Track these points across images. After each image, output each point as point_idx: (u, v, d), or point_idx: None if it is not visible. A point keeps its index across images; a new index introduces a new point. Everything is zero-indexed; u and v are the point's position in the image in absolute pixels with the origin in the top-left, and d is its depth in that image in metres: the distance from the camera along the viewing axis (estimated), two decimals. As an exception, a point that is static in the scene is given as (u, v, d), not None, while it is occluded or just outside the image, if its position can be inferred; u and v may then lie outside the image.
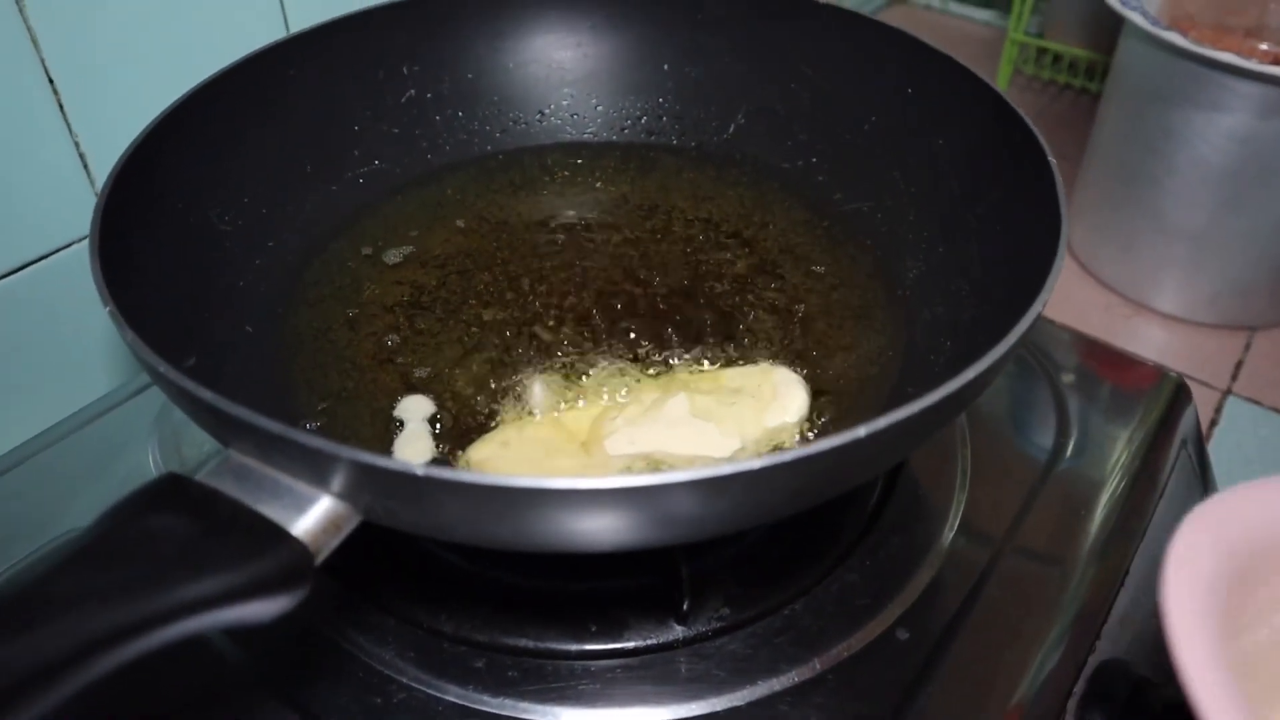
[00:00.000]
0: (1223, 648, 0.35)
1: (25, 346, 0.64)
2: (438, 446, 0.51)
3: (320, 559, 0.37)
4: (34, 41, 0.59)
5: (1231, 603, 0.37)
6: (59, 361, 0.67)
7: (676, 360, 0.55)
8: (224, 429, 0.38)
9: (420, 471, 0.34)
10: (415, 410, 0.54)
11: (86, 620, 0.30)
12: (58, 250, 0.64)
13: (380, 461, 0.34)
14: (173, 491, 0.36)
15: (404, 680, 0.48)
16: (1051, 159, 0.50)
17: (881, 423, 0.36)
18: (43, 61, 0.59)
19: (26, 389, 0.65)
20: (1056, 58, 1.26)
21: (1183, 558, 0.37)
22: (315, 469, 0.36)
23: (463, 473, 0.34)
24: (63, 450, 0.62)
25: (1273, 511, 0.39)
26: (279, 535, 0.36)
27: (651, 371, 0.55)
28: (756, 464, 0.34)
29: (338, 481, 0.36)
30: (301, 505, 0.37)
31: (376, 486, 0.36)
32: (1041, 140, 0.51)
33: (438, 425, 0.52)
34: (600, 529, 0.36)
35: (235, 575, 0.34)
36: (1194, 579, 0.36)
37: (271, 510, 0.36)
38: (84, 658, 0.30)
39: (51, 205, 0.62)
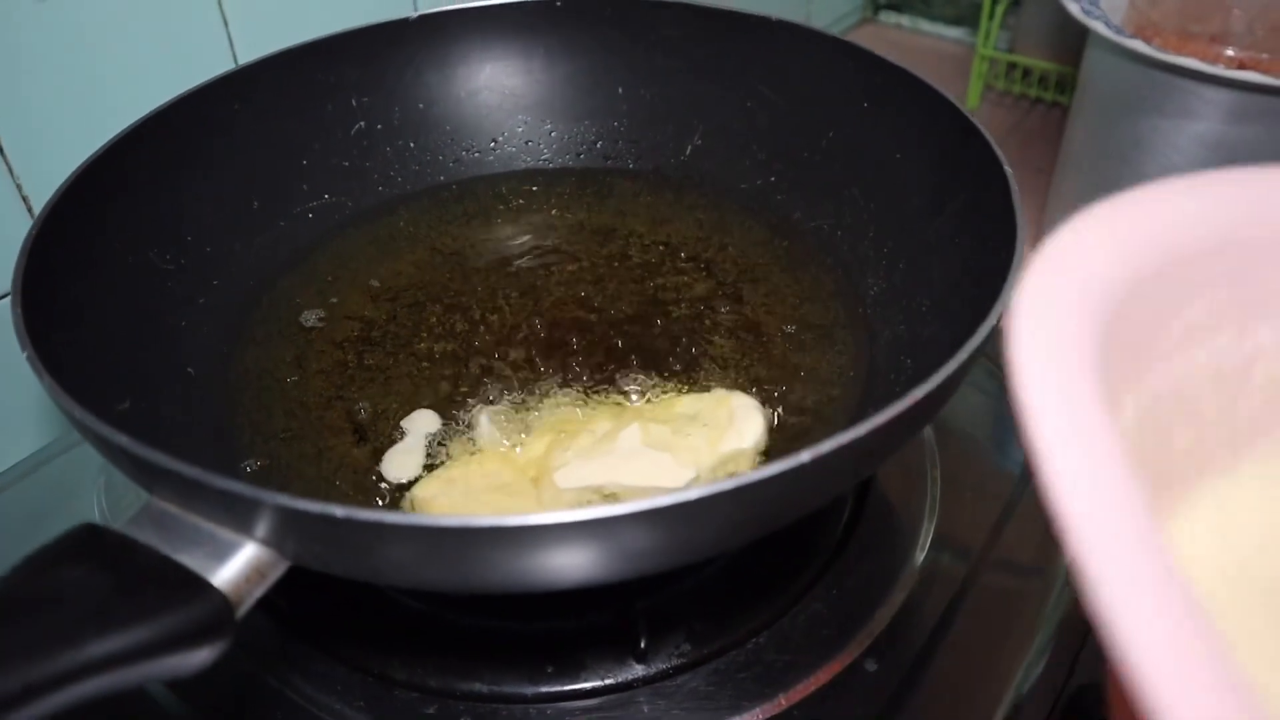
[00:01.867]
0: (1111, 410, 0.25)
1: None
2: (383, 486, 0.50)
3: (243, 609, 0.35)
4: (-29, 83, 0.57)
5: (1128, 349, 0.28)
6: (5, 408, 0.65)
7: (631, 388, 0.54)
8: (141, 474, 0.37)
9: (340, 513, 0.32)
10: (420, 425, 0.53)
11: (-16, 683, 0.29)
12: (3, 297, 0.63)
13: (298, 504, 0.33)
14: (88, 542, 0.35)
15: (352, 730, 0.46)
16: (1007, 168, 0.49)
17: (826, 446, 0.35)
18: (-20, 103, 0.58)
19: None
20: (1026, 72, 1.26)
21: (1042, 293, 0.26)
22: (235, 514, 0.35)
23: (385, 514, 0.32)
24: (5, 501, 0.60)
25: (1185, 213, 0.29)
26: (198, 585, 0.34)
27: (605, 401, 0.53)
28: (695, 494, 0.33)
29: (260, 527, 0.35)
30: (223, 553, 0.35)
31: (299, 531, 0.34)
32: (996, 149, 0.50)
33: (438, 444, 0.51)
34: (536, 567, 0.35)
35: (150, 629, 0.32)
36: (1069, 325, 0.26)
37: (191, 559, 0.35)
38: (-20, 722, 0.28)
39: (-3, 250, 0.61)
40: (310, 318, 0.59)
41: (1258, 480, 0.32)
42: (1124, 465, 0.22)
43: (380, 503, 0.49)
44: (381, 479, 0.50)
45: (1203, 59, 0.90)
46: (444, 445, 0.51)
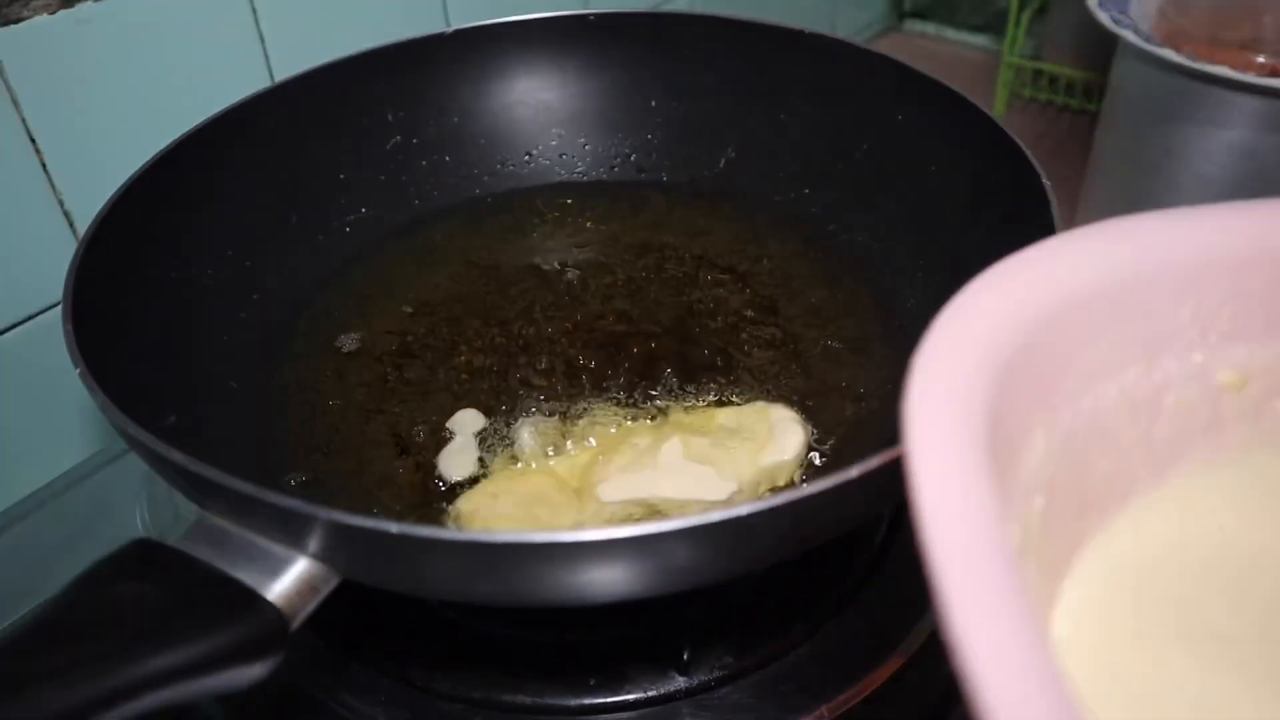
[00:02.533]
0: (1007, 454, 0.28)
1: (16, 407, 0.63)
2: (426, 500, 0.50)
3: (297, 623, 0.35)
4: (15, 102, 0.58)
5: (1032, 392, 0.30)
6: (51, 421, 0.66)
7: (671, 402, 0.54)
8: (195, 490, 0.37)
9: (395, 529, 0.33)
10: (467, 424, 0.54)
11: (51, 696, 0.29)
12: (46, 310, 0.64)
13: (355, 520, 0.33)
14: (142, 558, 0.35)
15: (397, 743, 0.46)
16: (1045, 180, 0.49)
17: (874, 462, 0.35)
18: (24, 121, 0.59)
19: (11, 452, 0.64)
20: (1053, 79, 1.26)
21: (939, 359, 0.27)
22: (289, 530, 0.35)
23: (439, 530, 0.33)
24: (50, 514, 0.61)
25: (1078, 266, 0.31)
26: (252, 600, 0.35)
27: (645, 414, 0.53)
28: (744, 510, 0.33)
29: (313, 542, 0.35)
30: (277, 568, 0.35)
31: (352, 546, 0.35)
32: (1034, 161, 0.50)
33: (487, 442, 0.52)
34: (584, 582, 0.35)
35: (206, 644, 0.33)
36: (960, 387, 0.27)
37: (245, 574, 0.35)
38: (45, 738, 0.29)
39: (38, 265, 0.62)
40: (349, 332, 0.60)
41: (1178, 494, 0.34)
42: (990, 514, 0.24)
43: (424, 515, 0.49)
44: (425, 492, 0.50)
45: (1234, 67, 0.90)
46: (486, 457, 0.51)
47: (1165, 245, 0.33)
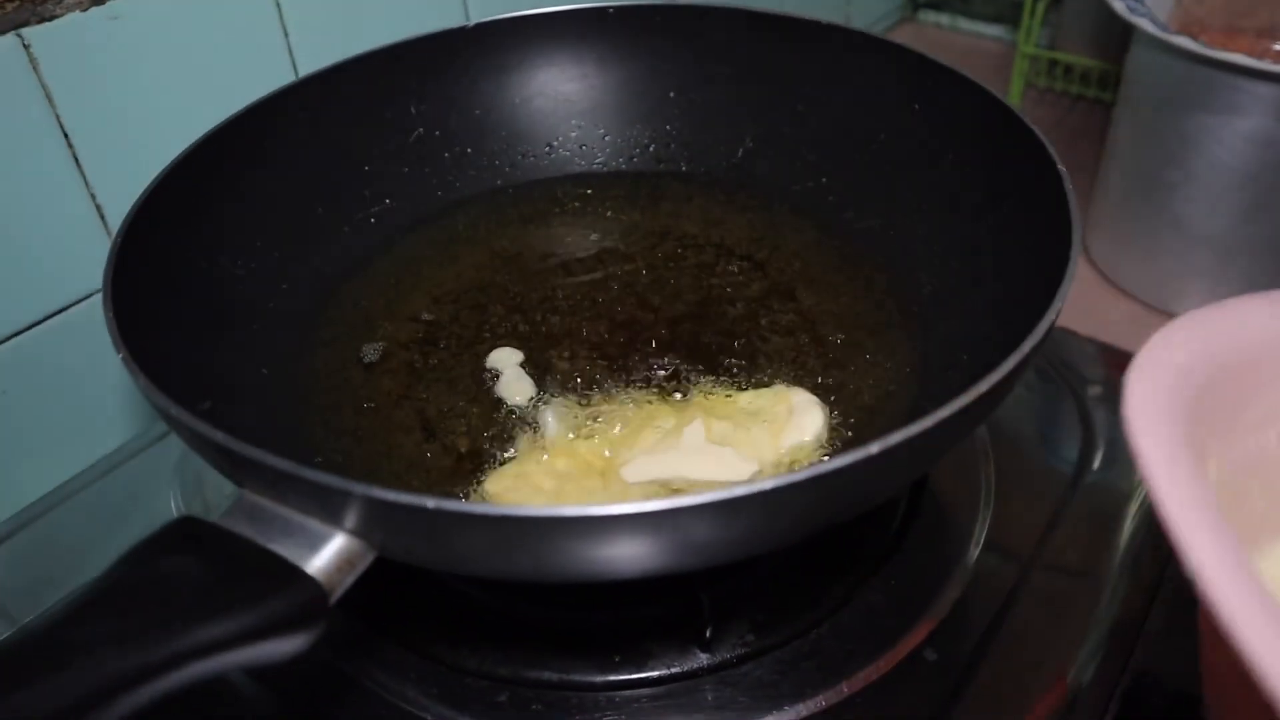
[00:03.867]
0: (1200, 470, 0.33)
1: (49, 397, 0.65)
2: (453, 482, 0.51)
3: (335, 596, 0.36)
4: (49, 97, 0.59)
5: (1210, 424, 0.35)
6: (83, 411, 0.67)
7: (692, 386, 0.55)
8: (236, 469, 0.38)
9: (431, 504, 0.34)
10: (507, 359, 0.58)
11: (102, 665, 0.31)
12: (78, 301, 0.65)
13: (391, 496, 0.34)
14: (186, 534, 0.36)
15: (427, 717, 0.47)
16: (1060, 167, 0.50)
17: (894, 438, 0.36)
18: (57, 116, 0.60)
19: (49, 440, 0.65)
20: (1068, 69, 1.26)
21: (1148, 373, 0.34)
22: (327, 506, 0.36)
23: (473, 504, 0.34)
24: (86, 499, 0.63)
25: (1250, 325, 0.38)
26: (293, 574, 0.36)
27: (668, 398, 0.54)
28: (769, 484, 0.34)
29: (350, 518, 0.36)
30: (315, 543, 0.37)
31: (389, 521, 0.36)
32: (1049, 148, 0.51)
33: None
34: (614, 556, 0.36)
35: (250, 616, 0.34)
36: (1163, 396, 0.34)
37: (285, 549, 0.36)
38: (99, 702, 0.30)
39: (71, 258, 0.63)
40: (375, 320, 0.61)
41: None
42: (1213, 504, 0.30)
43: (453, 495, 0.50)
44: (452, 474, 0.51)
45: (1250, 54, 0.90)
46: (513, 438, 0.53)
47: None
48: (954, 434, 0.41)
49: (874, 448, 0.35)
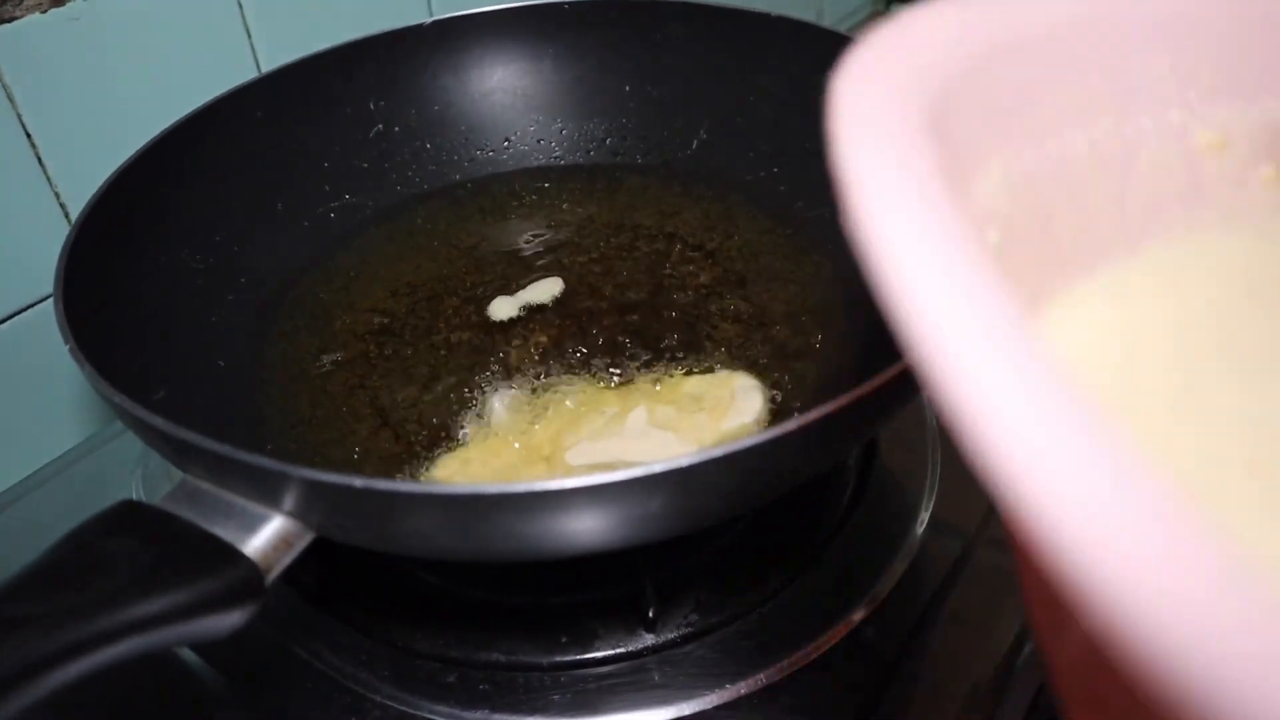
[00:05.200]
0: (962, 178, 0.24)
1: (12, 394, 0.66)
2: (404, 468, 0.52)
3: (272, 575, 0.37)
4: (10, 98, 0.60)
5: (987, 116, 0.26)
6: (47, 407, 0.68)
7: (640, 373, 0.56)
8: (176, 453, 0.39)
9: (359, 484, 0.35)
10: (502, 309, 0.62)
11: (36, 638, 0.32)
12: (44, 299, 0.66)
13: (320, 476, 0.35)
14: (127, 516, 0.38)
15: (378, 698, 0.48)
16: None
17: (812, 415, 0.37)
18: (19, 117, 0.61)
19: (10, 436, 0.66)
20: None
21: (870, 68, 0.23)
22: (262, 488, 0.37)
23: (398, 483, 0.35)
24: (48, 494, 0.64)
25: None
26: (230, 554, 0.37)
27: (615, 384, 0.55)
28: (686, 460, 0.35)
29: (285, 499, 0.37)
30: (253, 525, 0.38)
31: (321, 502, 0.37)
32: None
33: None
34: (543, 533, 0.37)
35: (186, 593, 0.35)
36: (897, 97, 0.23)
37: (224, 530, 0.38)
38: (36, 673, 0.31)
39: (36, 256, 0.64)
40: (333, 312, 0.62)
41: (1154, 265, 0.31)
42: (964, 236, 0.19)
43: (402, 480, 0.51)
44: (403, 460, 0.52)
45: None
46: (463, 426, 0.54)
47: None
48: (876, 411, 0.43)
49: (791, 425, 0.36)
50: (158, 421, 0.38)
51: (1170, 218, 0.31)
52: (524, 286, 0.63)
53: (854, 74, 0.23)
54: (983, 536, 0.56)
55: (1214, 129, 0.30)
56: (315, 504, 0.37)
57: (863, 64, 0.23)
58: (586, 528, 0.38)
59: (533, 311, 0.61)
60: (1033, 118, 0.28)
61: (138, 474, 0.62)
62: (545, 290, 0.63)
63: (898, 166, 0.20)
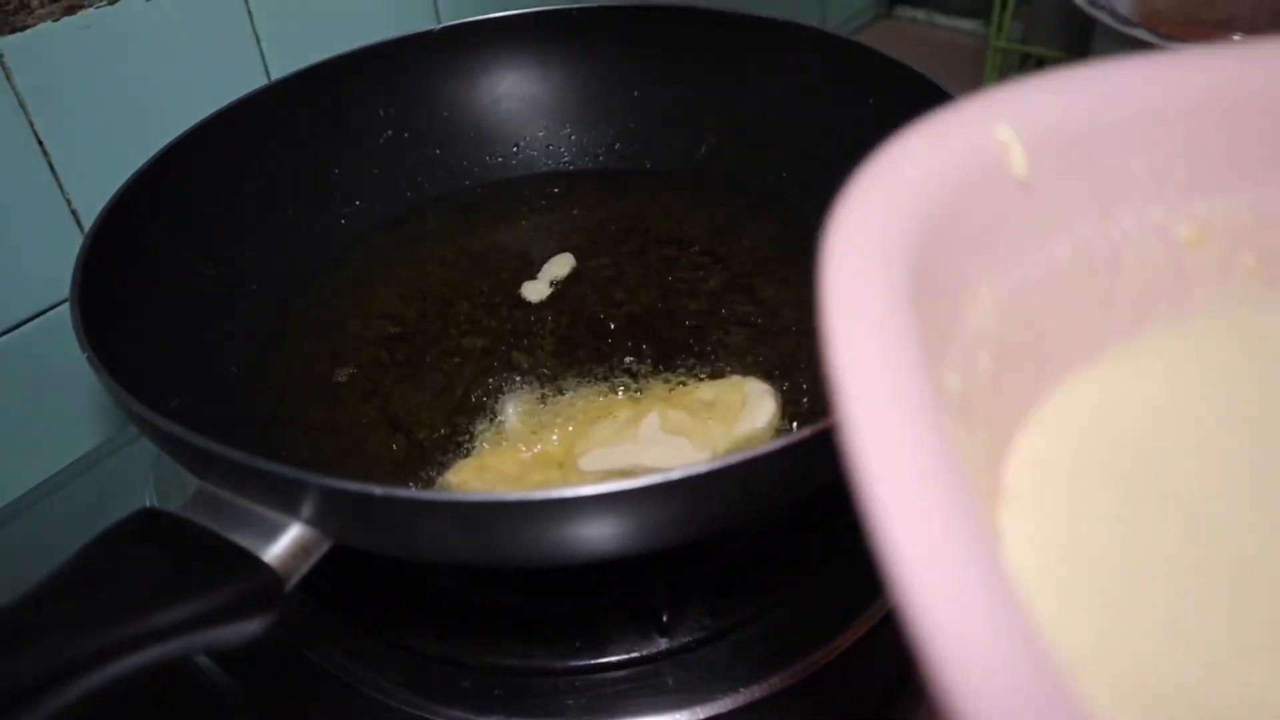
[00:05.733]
0: (945, 319, 0.25)
1: (27, 400, 0.66)
2: (418, 474, 0.52)
3: (291, 583, 0.38)
4: (22, 106, 0.61)
5: (971, 243, 0.27)
6: (61, 412, 0.68)
7: (652, 379, 0.56)
8: (194, 461, 0.40)
9: (379, 492, 0.35)
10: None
11: (58, 648, 0.32)
12: (56, 305, 0.66)
13: (341, 485, 0.35)
14: (146, 524, 0.38)
15: (392, 703, 0.49)
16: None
17: (827, 423, 0.37)
18: (31, 125, 0.61)
19: (27, 442, 0.67)
20: (1040, 63, 1.27)
21: (852, 210, 0.24)
22: (281, 496, 0.37)
23: (417, 491, 0.35)
24: (63, 499, 0.64)
25: (995, 125, 0.28)
26: (249, 561, 0.37)
27: (627, 390, 0.56)
28: (704, 468, 0.35)
29: (303, 507, 0.37)
30: (271, 532, 0.38)
31: (340, 510, 0.37)
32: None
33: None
34: (560, 540, 0.37)
35: (206, 601, 0.35)
36: (877, 233, 0.24)
37: (242, 538, 0.38)
38: (57, 683, 0.31)
39: (48, 263, 0.64)
40: (344, 318, 0.62)
41: (1147, 350, 0.31)
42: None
43: (416, 487, 0.52)
44: (417, 467, 0.52)
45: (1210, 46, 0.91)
46: (475, 431, 0.54)
47: (1111, 96, 0.30)
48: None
49: (805, 432, 0.37)
50: (177, 430, 0.38)
51: (1158, 310, 0.32)
52: (540, 267, 0.65)
53: (841, 228, 0.24)
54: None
55: (1194, 223, 0.31)
56: (334, 512, 0.37)
57: (849, 215, 0.24)
58: (604, 534, 0.38)
59: (545, 315, 0.61)
60: (1017, 235, 0.29)
61: (150, 480, 0.63)
62: (562, 265, 0.66)
63: (873, 340, 0.21)
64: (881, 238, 0.24)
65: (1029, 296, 0.29)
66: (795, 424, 0.53)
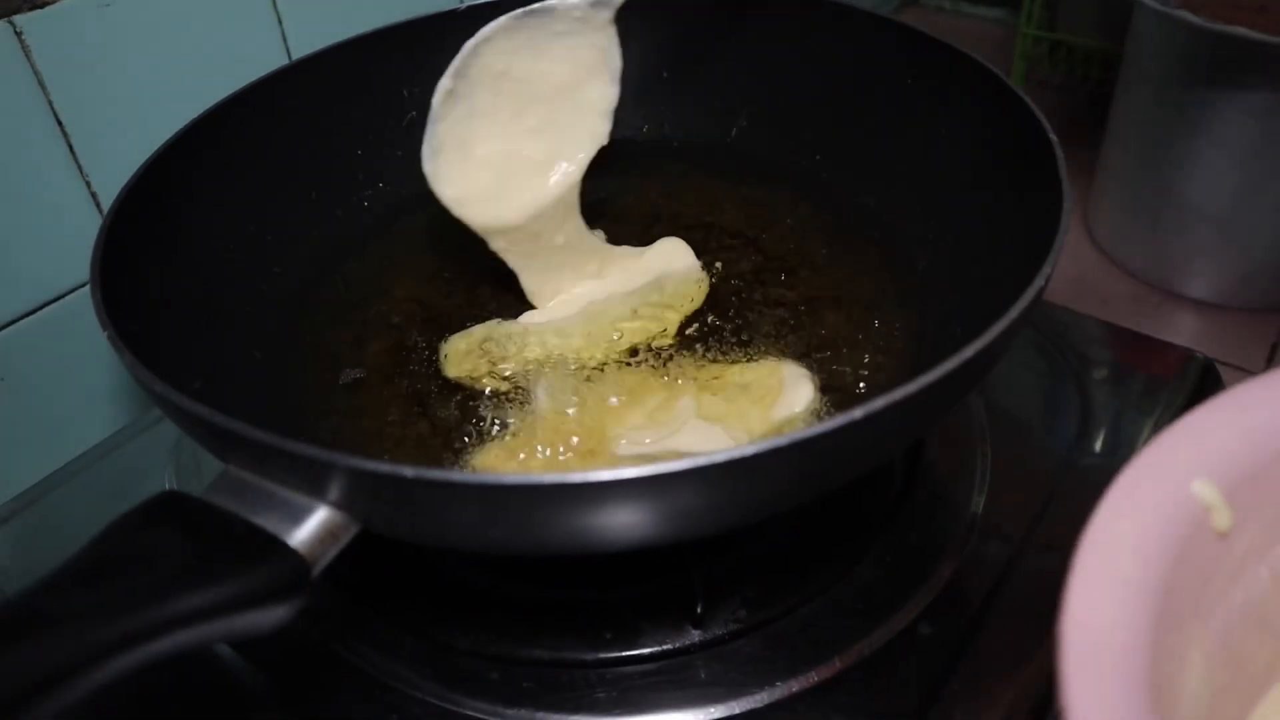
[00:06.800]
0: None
1: (48, 383, 0.65)
2: (443, 458, 0.51)
3: (318, 568, 0.36)
4: (42, 85, 0.60)
5: (1182, 606, 0.28)
6: (81, 396, 0.67)
7: (685, 361, 0.55)
8: (219, 443, 0.38)
9: (410, 473, 0.34)
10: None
11: (82, 634, 0.31)
12: (77, 288, 0.65)
13: (369, 465, 0.34)
14: (170, 508, 0.37)
15: (420, 695, 0.47)
16: (1052, 135, 0.50)
17: (878, 404, 0.35)
18: (50, 103, 0.60)
19: (48, 426, 0.66)
20: (1070, 51, 1.25)
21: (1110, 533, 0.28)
22: (308, 478, 0.36)
23: (450, 472, 0.34)
24: (84, 482, 0.63)
25: (1218, 456, 0.30)
26: (275, 546, 0.36)
27: (660, 373, 0.54)
28: (750, 450, 0.34)
29: (331, 490, 0.36)
30: (298, 516, 0.37)
31: (369, 492, 0.36)
32: (1040, 116, 0.51)
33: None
34: (595, 526, 0.36)
35: (231, 586, 0.34)
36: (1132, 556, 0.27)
37: (268, 522, 0.36)
38: (79, 670, 0.30)
39: (67, 245, 0.63)
40: (368, 300, 0.61)
41: None
42: None
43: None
44: (442, 449, 0.51)
45: (1252, 28, 0.90)
46: (505, 413, 0.52)
47: None
48: (940, 401, 0.41)
49: (858, 412, 0.35)
50: (202, 410, 0.37)
51: None
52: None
53: (1075, 605, 0.27)
54: (1033, 540, 0.54)
55: None
56: (362, 494, 0.36)
57: (1082, 591, 0.27)
58: (640, 520, 0.36)
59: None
60: (1219, 580, 0.30)
61: (171, 465, 0.62)
62: None
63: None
64: (1113, 626, 0.26)
65: (1231, 636, 0.30)
66: (833, 409, 0.52)
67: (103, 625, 0.31)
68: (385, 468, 0.34)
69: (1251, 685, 0.31)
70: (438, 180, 0.54)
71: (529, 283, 0.58)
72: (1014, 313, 0.39)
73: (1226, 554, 0.30)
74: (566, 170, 0.57)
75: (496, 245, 0.57)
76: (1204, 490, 0.29)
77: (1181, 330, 1.14)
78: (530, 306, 0.60)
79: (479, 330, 0.57)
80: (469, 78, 0.52)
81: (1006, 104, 0.54)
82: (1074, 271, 1.16)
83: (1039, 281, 0.41)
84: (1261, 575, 0.31)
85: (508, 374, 0.54)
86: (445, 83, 0.51)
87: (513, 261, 0.58)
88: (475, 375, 0.54)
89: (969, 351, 0.37)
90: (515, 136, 0.55)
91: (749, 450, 0.34)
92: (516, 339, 0.56)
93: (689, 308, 0.59)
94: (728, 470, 0.34)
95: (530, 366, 0.55)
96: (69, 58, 0.60)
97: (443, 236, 0.66)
